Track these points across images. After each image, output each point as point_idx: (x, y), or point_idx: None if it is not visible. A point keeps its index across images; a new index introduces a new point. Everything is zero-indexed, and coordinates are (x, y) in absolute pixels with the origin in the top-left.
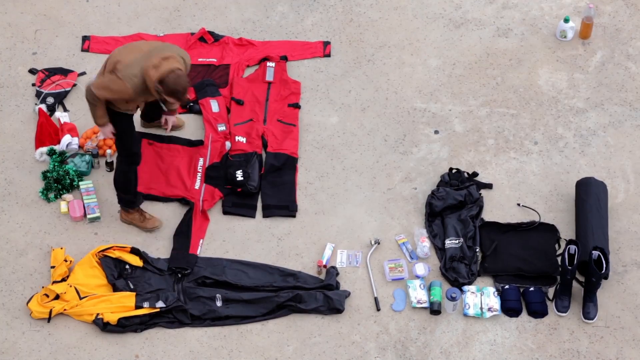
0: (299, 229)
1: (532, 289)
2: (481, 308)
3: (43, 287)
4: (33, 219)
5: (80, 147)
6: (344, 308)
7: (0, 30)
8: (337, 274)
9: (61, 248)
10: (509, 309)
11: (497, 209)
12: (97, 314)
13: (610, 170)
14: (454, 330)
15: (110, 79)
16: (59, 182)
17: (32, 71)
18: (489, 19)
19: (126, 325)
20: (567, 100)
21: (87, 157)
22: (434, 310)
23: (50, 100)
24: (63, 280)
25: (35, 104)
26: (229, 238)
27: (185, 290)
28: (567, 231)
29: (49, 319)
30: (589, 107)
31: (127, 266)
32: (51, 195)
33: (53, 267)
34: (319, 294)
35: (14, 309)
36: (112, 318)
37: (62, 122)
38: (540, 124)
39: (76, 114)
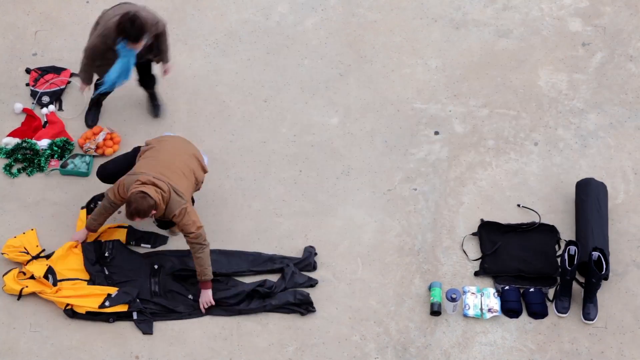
0: (299, 229)
1: (532, 289)
2: (481, 309)
3: (23, 265)
4: (33, 219)
5: (80, 146)
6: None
7: (1, 31)
8: (315, 254)
9: (32, 229)
10: (509, 309)
11: (497, 209)
12: (67, 305)
13: (610, 171)
14: (454, 331)
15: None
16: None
17: (28, 71)
18: (489, 20)
19: (96, 314)
20: (567, 101)
21: (87, 158)
22: (434, 311)
23: (45, 99)
24: (39, 256)
25: (33, 104)
26: (228, 239)
27: (161, 282)
28: (567, 232)
29: (18, 297)
30: (589, 108)
31: (107, 253)
32: (15, 169)
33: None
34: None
35: (14, 310)
36: (81, 310)
37: (47, 116)
38: (540, 124)
39: (73, 112)
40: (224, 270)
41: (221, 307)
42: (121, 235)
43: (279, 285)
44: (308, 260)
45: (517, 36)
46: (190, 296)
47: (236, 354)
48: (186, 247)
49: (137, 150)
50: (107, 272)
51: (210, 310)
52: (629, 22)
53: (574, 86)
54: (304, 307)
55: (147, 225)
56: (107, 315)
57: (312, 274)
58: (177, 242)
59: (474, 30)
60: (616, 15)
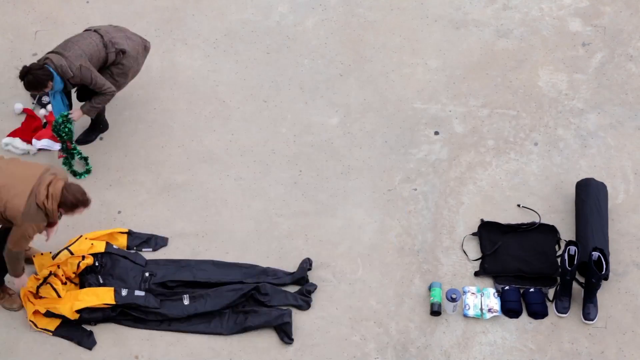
0: (299, 229)
1: (532, 290)
2: (481, 309)
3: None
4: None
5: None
6: (289, 322)
7: (1, 31)
8: (309, 268)
9: (42, 254)
10: (509, 310)
11: (497, 209)
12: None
13: (610, 171)
14: (454, 331)
15: (20, 231)
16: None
17: None
18: (489, 20)
19: (88, 320)
20: (567, 101)
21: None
22: (434, 311)
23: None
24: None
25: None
26: (228, 239)
27: (151, 290)
28: (567, 232)
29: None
30: (589, 108)
31: (97, 263)
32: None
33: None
34: (288, 294)
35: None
36: (71, 313)
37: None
38: (540, 124)
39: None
40: (217, 279)
41: (200, 321)
42: (122, 240)
43: (272, 294)
44: (301, 274)
45: (517, 36)
46: (185, 296)
47: (237, 355)
48: (181, 256)
49: None
50: (101, 281)
51: (193, 326)
52: (629, 22)
53: (574, 86)
54: (303, 299)
55: (147, 228)
56: (89, 319)
57: (310, 274)
58: (173, 250)
59: (474, 30)
60: (616, 15)
